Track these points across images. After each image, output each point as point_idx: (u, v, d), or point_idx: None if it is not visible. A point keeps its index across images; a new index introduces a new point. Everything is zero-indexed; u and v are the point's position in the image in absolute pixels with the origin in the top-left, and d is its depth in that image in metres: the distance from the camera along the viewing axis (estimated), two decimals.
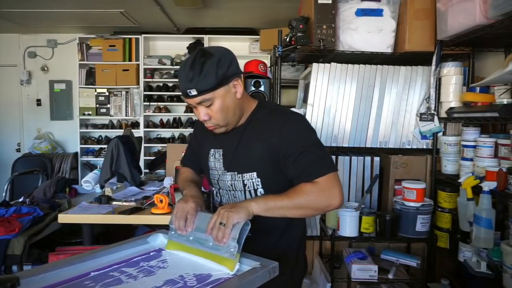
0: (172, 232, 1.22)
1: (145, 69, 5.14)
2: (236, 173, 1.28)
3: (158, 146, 5.39)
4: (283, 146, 1.20)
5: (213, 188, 1.40)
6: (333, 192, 1.17)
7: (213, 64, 1.15)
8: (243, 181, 1.27)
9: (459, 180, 1.96)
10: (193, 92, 1.16)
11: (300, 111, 2.38)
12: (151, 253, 1.20)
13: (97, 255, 1.13)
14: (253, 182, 1.26)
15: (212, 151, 1.35)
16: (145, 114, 5.23)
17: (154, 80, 5.23)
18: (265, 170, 1.25)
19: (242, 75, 1.25)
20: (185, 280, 1.01)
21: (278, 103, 2.43)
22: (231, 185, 1.30)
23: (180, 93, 5.30)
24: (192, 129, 6.15)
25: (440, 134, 2.29)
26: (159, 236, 1.30)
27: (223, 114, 1.21)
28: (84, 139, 5.23)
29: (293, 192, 1.17)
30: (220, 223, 1.09)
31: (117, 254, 1.16)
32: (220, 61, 1.16)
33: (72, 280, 1.00)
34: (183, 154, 1.61)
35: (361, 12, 2.23)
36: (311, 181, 1.17)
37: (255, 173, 1.26)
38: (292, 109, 2.39)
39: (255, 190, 1.27)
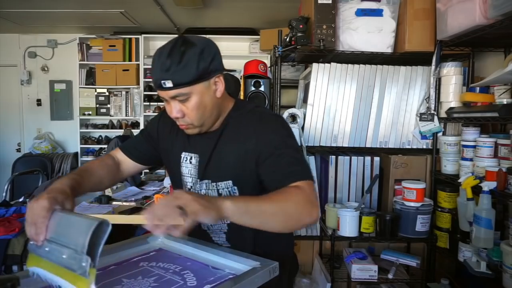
0: (31, 242, 0.91)
1: (145, 69, 5.14)
2: (210, 181, 1.16)
3: None
4: (260, 149, 1.08)
5: None
6: (315, 201, 1.01)
7: (195, 54, 1.01)
8: (217, 190, 1.15)
9: (459, 180, 1.96)
10: (168, 83, 1.01)
11: (300, 111, 2.38)
12: (151, 253, 1.20)
13: None
14: (229, 191, 1.14)
15: (184, 155, 1.20)
16: (145, 114, 5.23)
17: None
18: (241, 178, 1.13)
19: (224, 72, 1.11)
20: (185, 280, 1.01)
21: (278, 103, 2.43)
22: (205, 195, 1.16)
23: None
24: None
25: (440, 134, 2.29)
26: (159, 236, 1.30)
27: (199, 113, 1.07)
28: (84, 139, 5.23)
29: (279, 194, 0.99)
30: (181, 208, 0.85)
31: (116, 255, 1.16)
32: (203, 53, 1.02)
33: None
34: None
35: (361, 12, 2.23)
36: (293, 185, 1.02)
37: (230, 182, 1.14)
38: (292, 109, 2.40)
39: None
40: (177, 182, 1.25)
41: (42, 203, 0.89)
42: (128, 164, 1.32)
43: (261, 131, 1.10)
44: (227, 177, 1.14)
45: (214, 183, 1.15)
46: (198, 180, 1.17)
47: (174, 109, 1.07)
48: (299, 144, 2.34)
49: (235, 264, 1.07)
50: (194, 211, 0.85)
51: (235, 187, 1.14)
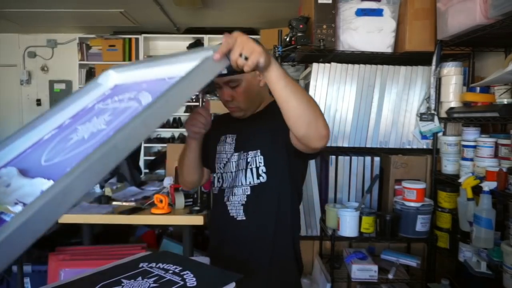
0: None
1: None
2: (242, 151, 1.33)
3: (158, 146, 5.39)
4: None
5: (215, 175, 1.41)
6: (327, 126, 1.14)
7: None
8: (247, 159, 1.30)
9: (459, 180, 1.96)
10: (224, 71, 1.22)
11: None
12: (106, 93, 1.05)
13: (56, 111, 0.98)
14: (256, 159, 1.29)
15: (223, 137, 1.41)
16: None
17: None
18: (269, 148, 1.29)
19: None
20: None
21: None
22: (237, 165, 1.33)
23: None
24: None
25: (440, 134, 2.29)
26: (109, 73, 1.12)
27: (245, 97, 1.29)
28: None
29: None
30: (240, 55, 0.92)
31: (73, 107, 1.02)
32: None
33: None
34: None
35: (361, 12, 2.23)
36: None
37: (259, 151, 1.30)
38: None
39: (257, 168, 1.29)
40: (211, 161, 1.42)
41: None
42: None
43: None
44: (256, 147, 1.31)
45: (245, 153, 1.32)
46: (234, 152, 1.35)
47: (226, 93, 1.29)
48: None
49: (190, 64, 0.88)
50: (253, 53, 0.93)
51: (262, 156, 1.29)
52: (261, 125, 1.33)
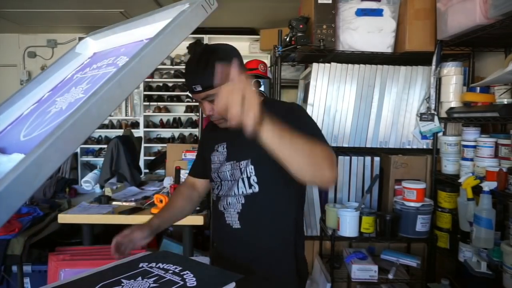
0: None
1: None
2: (235, 161, 1.30)
3: (158, 146, 5.39)
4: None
5: (213, 183, 1.39)
6: (335, 164, 1.06)
7: (217, 61, 1.19)
8: (240, 169, 1.28)
9: (459, 180, 1.96)
10: (198, 88, 1.21)
11: None
12: (85, 62, 1.03)
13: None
14: (247, 170, 1.26)
15: (216, 146, 1.39)
16: (145, 114, 5.23)
17: (154, 80, 5.23)
18: (259, 157, 1.22)
19: (246, 72, 1.29)
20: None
21: None
22: (231, 175, 1.30)
23: (179, 93, 5.31)
24: (192, 129, 6.05)
25: (440, 134, 2.29)
26: (87, 41, 1.09)
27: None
28: None
29: (307, 138, 1.01)
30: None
31: (52, 79, 1.01)
32: (224, 59, 1.20)
33: None
34: (183, 154, 1.60)
35: (361, 12, 2.23)
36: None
37: (249, 160, 1.26)
38: None
39: (248, 178, 1.27)
40: (208, 169, 1.41)
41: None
42: (200, 183, 1.53)
43: (290, 114, 1.21)
44: (247, 156, 1.27)
45: (238, 163, 1.29)
46: (225, 162, 1.32)
47: (206, 108, 1.25)
48: None
49: (166, 22, 0.83)
50: (253, 104, 0.86)
51: (252, 166, 1.26)
52: None
